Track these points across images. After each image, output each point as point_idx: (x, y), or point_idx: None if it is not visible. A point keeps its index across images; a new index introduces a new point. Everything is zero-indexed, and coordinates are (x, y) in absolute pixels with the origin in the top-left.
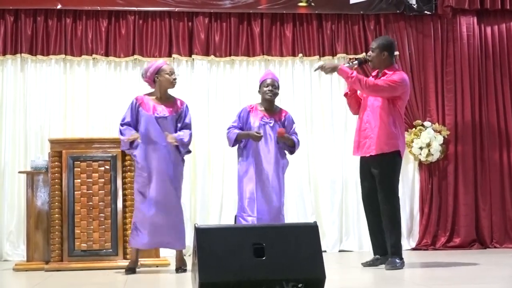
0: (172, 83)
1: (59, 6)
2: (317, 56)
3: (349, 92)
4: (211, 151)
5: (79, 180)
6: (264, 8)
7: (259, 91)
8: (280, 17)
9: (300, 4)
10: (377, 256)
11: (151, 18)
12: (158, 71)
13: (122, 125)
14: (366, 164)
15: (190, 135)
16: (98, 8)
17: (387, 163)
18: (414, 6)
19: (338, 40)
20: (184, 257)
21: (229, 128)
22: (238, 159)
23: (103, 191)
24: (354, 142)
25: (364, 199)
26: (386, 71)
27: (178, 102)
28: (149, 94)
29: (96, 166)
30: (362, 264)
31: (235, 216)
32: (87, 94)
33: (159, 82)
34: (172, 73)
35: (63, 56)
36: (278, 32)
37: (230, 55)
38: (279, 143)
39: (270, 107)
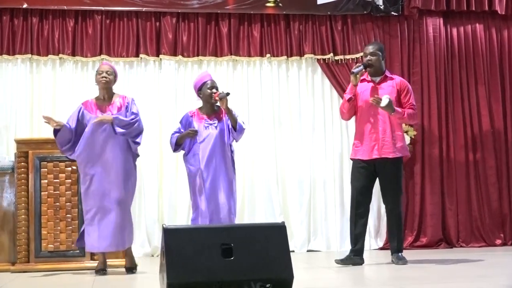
0: (100, 82)
1: (25, 5)
2: (285, 57)
3: (353, 97)
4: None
5: (45, 181)
6: (231, 8)
7: (199, 94)
8: (248, 18)
9: (268, 4)
10: (352, 255)
11: (118, 18)
12: (96, 73)
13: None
14: (369, 166)
15: (135, 119)
16: (65, 7)
17: (399, 168)
18: (381, 7)
19: (305, 40)
20: (152, 257)
21: (172, 135)
22: (185, 164)
23: (70, 192)
24: (360, 146)
25: (357, 200)
26: (387, 74)
27: (122, 99)
28: (96, 97)
29: (63, 166)
30: (335, 261)
31: (192, 220)
32: (53, 94)
33: (96, 83)
34: (100, 73)
35: (29, 55)
36: (246, 33)
37: (197, 55)
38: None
39: (212, 109)
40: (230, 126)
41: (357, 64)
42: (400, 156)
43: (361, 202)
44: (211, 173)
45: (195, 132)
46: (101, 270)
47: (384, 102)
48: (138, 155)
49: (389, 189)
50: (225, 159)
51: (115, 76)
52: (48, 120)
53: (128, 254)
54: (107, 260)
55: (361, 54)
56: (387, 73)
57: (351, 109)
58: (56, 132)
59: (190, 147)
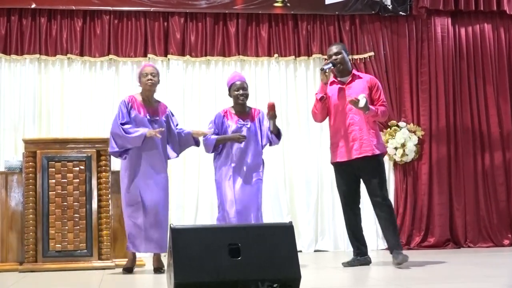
0: (147, 85)
1: (33, 6)
2: (293, 57)
3: (325, 96)
4: (186, 151)
5: (53, 181)
6: (239, 8)
7: (229, 95)
8: (256, 18)
9: (276, 4)
10: (357, 257)
11: (126, 18)
12: (140, 73)
13: (122, 124)
14: (350, 167)
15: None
16: (73, 7)
17: (380, 164)
18: (389, 7)
19: (313, 40)
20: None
21: (205, 135)
22: (215, 164)
23: (78, 192)
24: (338, 148)
25: (347, 202)
26: (354, 72)
27: (162, 106)
28: (138, 95)
29: (71, 166)
30: (343, 264)
31: (217, 220)
32: (61, 94)
33: (140, 84)
34: (147, 74)
35: (37, 55)
36: (254, 33)
37: (205, 55)
38: (270, 121)
39: (243, 109)
40: (268, 131)
41: (326, 61)
42: (379, 153)
43: (351, 205)
44: (242, 173)
45: (244, 138)
46: (128, 269)
47: (362, 102)
48: None
49: (374, 183)
50: (257, 160)
51: (159, 77)
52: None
53: (156, 255)
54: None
55: (370, 54)
56: (355, 72)
57: (324, 109)
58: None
59: (223, 147)
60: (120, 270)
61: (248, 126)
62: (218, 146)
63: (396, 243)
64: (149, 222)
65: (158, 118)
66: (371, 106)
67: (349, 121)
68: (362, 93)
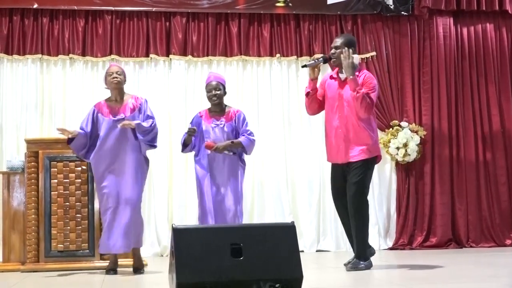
0: (111, 84)
1: (35, 6)
2: (295, 56)
3: (311, 92)
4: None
5: (55, 181)
6: (241, 8)
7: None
8: (258, 17)
9: (278, 4)
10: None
11: (128, 18)
12: (105, 74)
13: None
14: (340, 168)
15: (153, 124)
16: (75, 7)
17: (368, 168)
18: (391, 7)
19: (315, 40)
20: (161, 257)
21: (183, 135)
22: (195, 165)
23: (80, 192)
24: (328, 148)
25: (339, 202)
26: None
27: (134, 100)
28: (107, 99)
29: (73, 166)
30: (344, 264)
31: (199, 219)
32: (63, 94)
33: (107, 85)
34: (111, 74)
35: (39, 55)
36: (256, 32)
37: (207, 55)
38: (227, 153)
39: (218, 109)
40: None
41: (314, 56)
42: (367, 158)
43: (341, 205)
44: (217, 174)
45: (194, 131)
46: (112, 270)
47: (356, 60)
48: (148, 159)
49: (353, 186)
50: (232, 160)
51: (125, 76)
52: (62, 131)
53: (135, 254)
54: (118, 259)
55: (372, 53)
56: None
57: (312, 103)
58: (70, 141)
59: (199, 148)
60: (122, 269)
61: (222, 125)
62: (192, 146)
63: (358, 249)
64: (117, 220)
65: (123, 116)
66: (358, 80)
67: (339, 124)
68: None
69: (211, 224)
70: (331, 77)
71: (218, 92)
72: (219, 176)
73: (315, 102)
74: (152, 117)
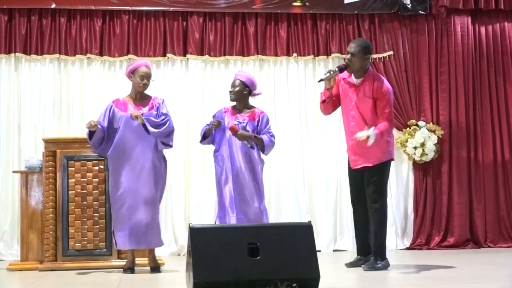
0: (140, 87)
1: (53, 6)
2: (312, 56)
3: (327, 100)
4: (205, 151)
5: (73, 180)
6: (258, 8)
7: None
8: (275, 17)
9: (295, 4)
10: (359, 256)
11: (145, 17)
12: (134, 71)
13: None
14: (356, 171)
15: (166, 120)
16: (93, 7)
17: (384, 171)
18: (409, 6)
19: (332, 40)
20: (178, 256)
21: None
22: (214, 163)
23: (97, 191)
24: (347, 151)
25: (354, 201)
26: (369, 73)
27: (153, 99)
28: (127, 96)
29: (90, 165)
30: (346, 264)
31: (216, 219)
32: (81, 94)
33: (132, 82)
34: (143, 78)
35: (57, 55)
36: (273, 32)
37: (224, 55)
38: (242, 141)
39: (241, 107)
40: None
41: (329, 69)
42: (382, 162)
43: (359, 201)
44: (238, 172)
45: (218, 123)
46: (129, 269)
47: (371, 139)
48: (165, 159)
49: (372, 187)
50: (251, 158)
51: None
52: (89, 123)
53: (151, 253)
54: (135, 258)
55: (389, 53)
56: (369, 73)
57: (327, 109)
58: (91, 134)
59: (220, 145)
60: (139, 269)
61: (244, 124)
62: (211, 139)
63: (375, 248)
64: (134, 219)
65: (142, 112)
66: (374, 132)
67: (351, 129)
68: (368, 96)
69: (229, 221)
70: (345, 80)
71: (234, 88)
72: (239, 174)
73: (330, 104)
74: (165, 114)
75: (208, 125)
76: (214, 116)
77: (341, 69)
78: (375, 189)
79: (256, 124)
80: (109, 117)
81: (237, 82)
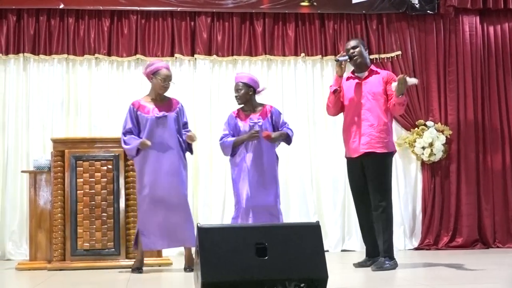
0: (161, 89)
1: (61, 6)
2: (320, 56)
3: (338, 89)
4: (213, 150)
5: (81, 180)
6: (266, 8)
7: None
8: (283, 17)
9: (302, 4)
10: (367, 257)
11: (153, 17)
12: (155, 73)
13: (124, 134)
14: (358, 163)
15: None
16: (101, 7)
17: (386, 164)
18: (417, 6)
19: (340, 39)
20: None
21: (221, 138)
22: (230, 162)
23: (106, 191)
24: (349, 143)
25: (356, 199)
26: (372, 68)
27: (174, 102)
28: (145, 97)
29: (98, 165)
30: (354, 264)
31: (232, 219)
32: (89, 94)
33: (152, 83)
34: (164, 80)
35: (65, 55)
36: (281, 32)
37: (232, 55)
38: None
39: (251, 107)
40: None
41: (342, 53)
42: (387, 152)
43: (361, 201)
44: (257, 172)
45: (257, 135)
46: (137, 269)
47: (412, 80)
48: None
49: (376, 184)
50: (271, 157)
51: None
52: (145, 145)
53: (187, 252)
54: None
55: (397, 53)
56: (373, 67)
57: (337, 102)
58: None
59: (237, 148)
60: (148, 268)
61: (260, 123)
62: (237, 148)
63: (383, 248)
64: (163, 219)
65: (166, 114)
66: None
67: (362, 117)
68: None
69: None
70: (348, 78)
71: (239, 92)
72: (257, 174)
73: (339, 100)
74: (187, 125)
75: (227, 135)
76: (228, 123)
77: (350, 57)
78: (379, 187)
79: (271, 120)
80: (136, 120)
81: (240, 85)
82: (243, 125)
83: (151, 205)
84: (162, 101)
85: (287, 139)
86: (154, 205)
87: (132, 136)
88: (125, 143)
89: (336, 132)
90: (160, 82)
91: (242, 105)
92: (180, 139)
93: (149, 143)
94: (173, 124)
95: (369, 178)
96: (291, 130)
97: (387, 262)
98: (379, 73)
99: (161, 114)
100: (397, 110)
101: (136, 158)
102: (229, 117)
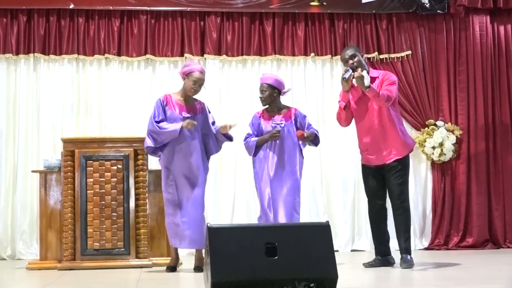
0: (191, 91)
1: (71, 6)
2: (329, 56)
3: (347, 104)
4: (223, 150)
5: (91, 179)
6: (276, 7)
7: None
8: (292, 17)
9: (312, 3)
10: (378, 257)
11: (163, 17)
12: (188, 74)
13: (158, 122)
14: (376, 169)
15: None
16: (111, 7)
17: (407, 163)
18: (427, 5)
19: (350, 39)
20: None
21: (246, 139)
22: (253, 160)
23: (116, 190)
24: (363, 152)
25: (370, 199)
26: (371, 75)
27: (198, 102)
28: (175, 94)
29: (108, 165)
30: (364, 264)
31: (258, 218)
32: (99, 94)
33: (184, 83)
34: (196, 83)
35: (75, 55)
36: (290, 32)
37: (242, 55)
38: (304, 142)
39: (275, 109)
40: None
41: (345, 69)
42: (400, 157)
43: (375, 204)
44: (278, 172)
45: (278, 134)
46: (170, 268)
47: (367, 80)
48: None
49: (394, 185)
50: (292, 159)
51: None
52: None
53: (198, 253)
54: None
55: (407, 52)
56: (371, 73)
57: (348, 116)
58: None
59: (260, 147)
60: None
61: (283, 125)
62: (260, 147)
63: (404, 247)
64: (186, 219)
65: (194, 115)
66: (372, 86)
67: (374, 127)
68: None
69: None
70: (352, 89)
71: (264, 94)
72: (278, 173)
73: (350, 112)
74: (214, 122)
75: (251, 135)
76: (252, 124)
77: (353, 70)
78: (401, 187)
79: (296, 122)
80: (164, 114)
81: (265, 86)
82: (265, 126)
83: (173, 204)
84: (191, 103)
85: (315, 140)
86: (175, 205)
87: (166, 123)
88: (161, 128)
89: (346, 132)
90: (191, 84)
91: (267, 106)
92: (205, 141)
93: (195, 122)
94: (200, 125)
95: (387, 181)
96: (317, 131)
97: (409, 256)
98: (377, 77)
99: (189, 115)
100: (378, 104)
101: (162, 157)
102: (254, 117)
